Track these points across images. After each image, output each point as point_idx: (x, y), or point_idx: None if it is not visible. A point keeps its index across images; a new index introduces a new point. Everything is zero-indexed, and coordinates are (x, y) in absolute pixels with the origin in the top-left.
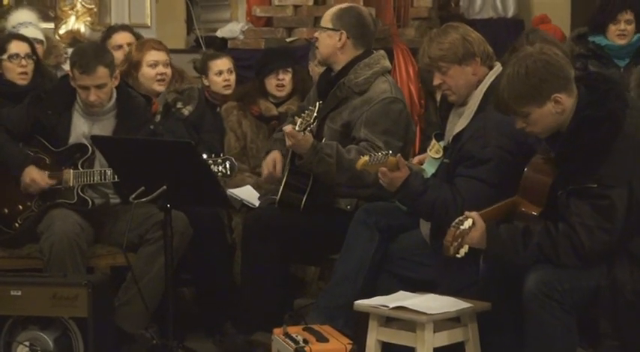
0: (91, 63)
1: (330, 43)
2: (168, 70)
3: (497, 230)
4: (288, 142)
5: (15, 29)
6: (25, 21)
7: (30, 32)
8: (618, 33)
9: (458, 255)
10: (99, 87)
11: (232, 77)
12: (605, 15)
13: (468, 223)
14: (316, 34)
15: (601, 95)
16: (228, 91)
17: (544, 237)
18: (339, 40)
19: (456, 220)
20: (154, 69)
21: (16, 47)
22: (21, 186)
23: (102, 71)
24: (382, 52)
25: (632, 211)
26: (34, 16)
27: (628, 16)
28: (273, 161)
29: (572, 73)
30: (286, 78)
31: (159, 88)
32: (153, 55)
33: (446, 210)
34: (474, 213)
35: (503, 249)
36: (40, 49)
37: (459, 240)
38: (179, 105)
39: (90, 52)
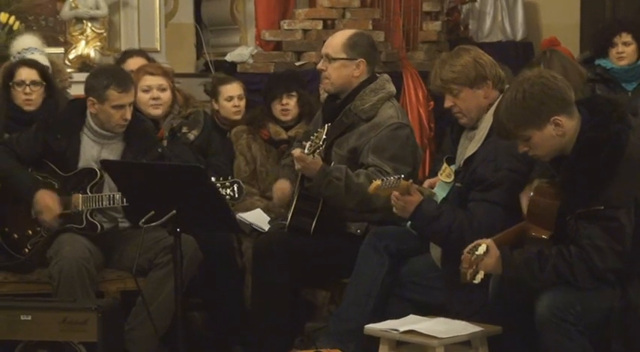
0: (128, 80)
1: (346, 73)
2: (164, 95)
3: (512, 255)
4: (297, 166)
5: (19, 55)
6: (29, 47)
7: (34, 58)
8: (617, 55)
9: (475, 281)
10: (130, 105)
11: (242, 103)
12: (604, 38)
13: (482, 249)
14: (321, 66)
15: (603, 117)
16: (237, 117)
17: (559, 260)
18: (358, 68)
19: (470, 247)
20: (147, 94)
21: (23, 74)
22: (32, 212)
23: (134, 88)
24: (386, 76)
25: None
26: (38, 42)
27: (624, 38)
28: (281, 191)
29: (572, 95)
30: (290, 102)
31: (154, 112)
32: (146, 80)
33: (462, 234)
34: (487, 240)
35: (519, 273)
36: None
37: (475, 266)
38: (184, 129)
39: (121, 71)
